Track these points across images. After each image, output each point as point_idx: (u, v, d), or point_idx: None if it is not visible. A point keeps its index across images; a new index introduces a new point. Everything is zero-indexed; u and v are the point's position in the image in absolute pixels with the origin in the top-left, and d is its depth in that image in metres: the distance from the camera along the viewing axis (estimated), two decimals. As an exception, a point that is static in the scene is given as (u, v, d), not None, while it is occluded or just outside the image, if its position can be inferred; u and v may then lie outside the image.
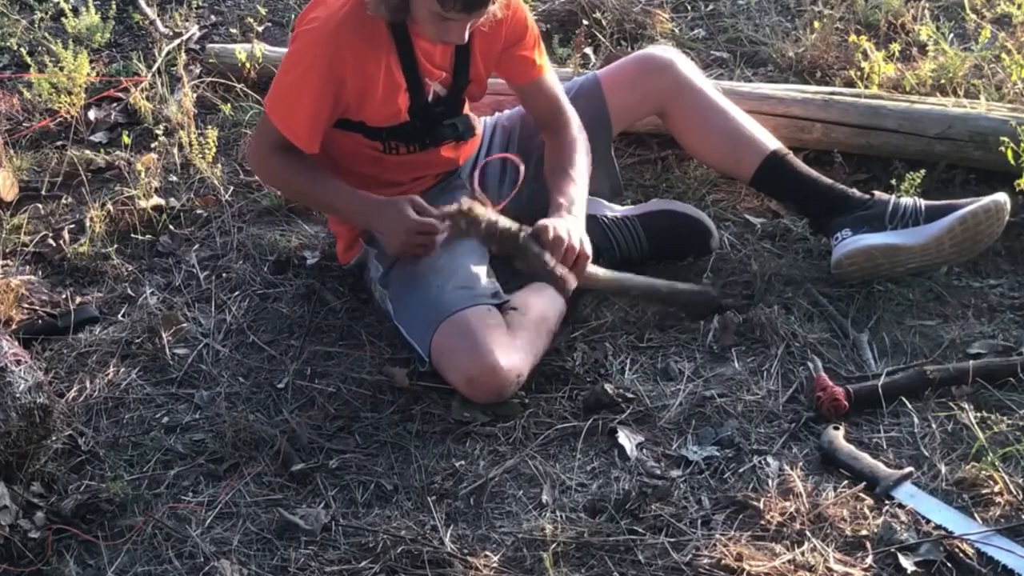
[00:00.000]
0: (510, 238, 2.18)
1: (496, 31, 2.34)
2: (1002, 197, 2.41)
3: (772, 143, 2.58)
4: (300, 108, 2.31)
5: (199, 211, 2.90)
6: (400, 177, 2.47)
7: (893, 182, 2.64)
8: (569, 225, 2.25)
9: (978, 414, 2.06)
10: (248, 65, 3.33)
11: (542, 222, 2.23)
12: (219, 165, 3.00)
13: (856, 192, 2.51)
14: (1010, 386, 2.14)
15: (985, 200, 2.40)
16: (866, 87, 2.93)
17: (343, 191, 2.39)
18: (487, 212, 2.18)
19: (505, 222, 2.18)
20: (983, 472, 1.97)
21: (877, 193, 2.50)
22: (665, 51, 2.70)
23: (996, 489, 1.95)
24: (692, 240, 2.57)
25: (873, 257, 2.42)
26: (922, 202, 2.46)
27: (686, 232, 2.57)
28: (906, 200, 2.47)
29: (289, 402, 2.28)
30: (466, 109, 2.50)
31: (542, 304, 2.35)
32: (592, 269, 2.32)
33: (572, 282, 2.21)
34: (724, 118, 2.59)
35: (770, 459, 2.06)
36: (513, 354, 2.21)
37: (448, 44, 2.29)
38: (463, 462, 2.12)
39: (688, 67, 2.64)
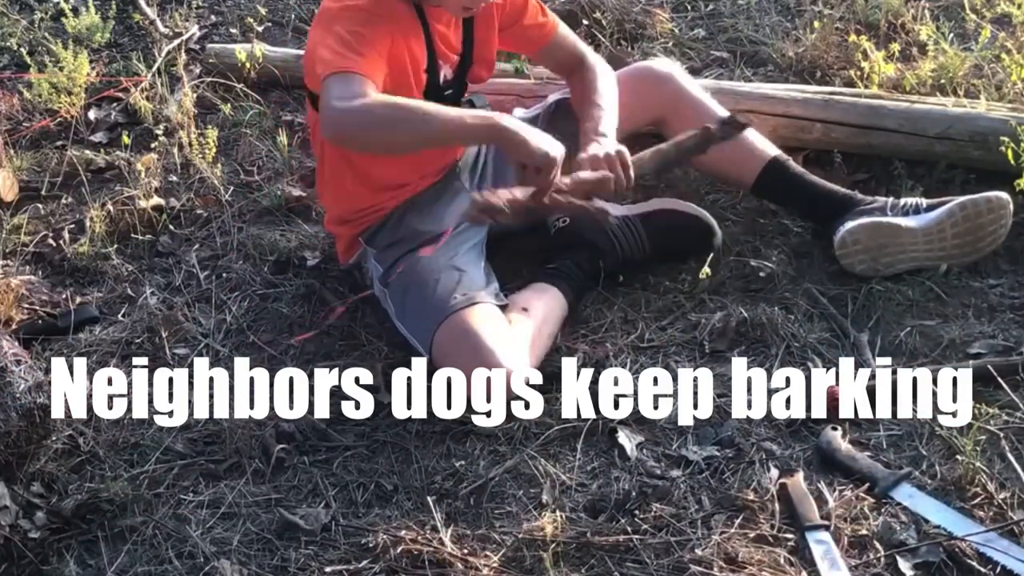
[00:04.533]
0: (536, 203, 2.20)
1: (492, 15, 2.41)
2: (1004, 194, 2.42)
3: (772, 150, 2.59)
4: (371, 48, 2.18)
5: (199, 211, 2.90)
6: (409, 174, 2.47)
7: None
8: (601, 148, 2.31)
9: (978, 414, 2.06)
10: (248, 65, 3.33)
11: (578, 160, 2.28)
12: (219, 165, 2.99)
13: (858, 194, 2.52)
14: (1010, 386, 2.14)
15: (987, 192, 2.41)
16: (866, 87, 2.93)
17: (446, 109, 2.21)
18: (502, 195, 2.15)
19: (522, 192, 2.18)
20: (982, 473, 1.97)
21: (879, 198, 2.51)
22: (664, 63, 2.73)
23: (994, 489, 1.95)
24: (694, 239, 2.57)
25: (876, 234, 2.41)
26: (923, 199, 2.48)
27: (688, 231, 2.57)
28: (907, 197, 2.49)
29: (289, 402, 2.28)
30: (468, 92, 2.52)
31: (544, 305, 2.35)
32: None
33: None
34: None
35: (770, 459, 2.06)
36: (515, 354, 2.21)
37: (468, 15, 2.33)
38: (463, 462, 2.11)
39: (686, 79, 2.67)
